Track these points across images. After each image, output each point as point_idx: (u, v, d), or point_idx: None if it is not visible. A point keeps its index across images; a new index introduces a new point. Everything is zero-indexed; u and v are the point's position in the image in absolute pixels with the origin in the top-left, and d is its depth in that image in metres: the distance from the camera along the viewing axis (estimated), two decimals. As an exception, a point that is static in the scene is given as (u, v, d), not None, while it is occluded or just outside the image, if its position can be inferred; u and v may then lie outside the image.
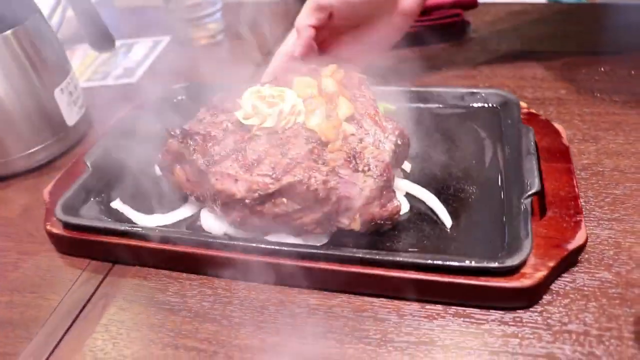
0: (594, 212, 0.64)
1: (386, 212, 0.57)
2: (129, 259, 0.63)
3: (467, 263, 0.52)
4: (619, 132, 0.77)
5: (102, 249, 0.64)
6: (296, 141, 0.58)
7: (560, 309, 0.53)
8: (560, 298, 0.54)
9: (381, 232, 0.60)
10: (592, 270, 0.56)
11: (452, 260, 0.52)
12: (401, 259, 0.53)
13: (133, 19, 1.36)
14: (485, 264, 0.51)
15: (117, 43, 1.20)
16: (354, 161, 0.57)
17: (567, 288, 0.55)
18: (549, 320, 0.52)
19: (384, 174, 0.56)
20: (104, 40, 0.98)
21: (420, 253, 0.56)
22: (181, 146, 0.61)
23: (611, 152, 0.73)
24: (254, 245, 0.57)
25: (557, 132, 0.71)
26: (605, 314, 0.52)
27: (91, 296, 0.61)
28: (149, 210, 0.67)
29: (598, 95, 0.86)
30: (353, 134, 0.60)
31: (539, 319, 0.52)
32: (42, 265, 0.67)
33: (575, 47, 1.02)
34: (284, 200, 0.55)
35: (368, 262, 0.54)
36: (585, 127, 0.79)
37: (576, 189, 0.61)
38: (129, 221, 0.66)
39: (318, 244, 0.58)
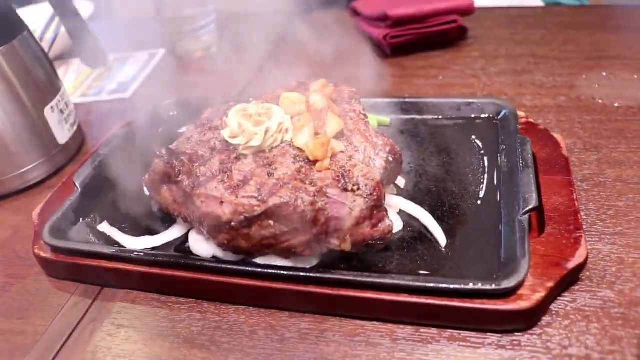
0: (595, 226, 0.61)
1: (377, 233, 0.55)
2: (117, 283, 0.62)
3: (461, 286, 0.50)
4: (621, 140, 0.75)
5: (90, 273, 0.62)
6: (283, 160, 0.57)
7: (560, 331, 0.51)
8: (560, 319, 0.52)
9: (373, 252, 0.58)
10: (593, 289, 0.54)
11: (446, 283, 0.50)
12: (393, 281, 0.51)
13: (128, 32, 1.36)
14: (480, 286, 0.49)
15: (112, 57, 1.20)
16: (342, 180, 0.55)
17: (568, 308, 0.53)
18: (548, 344, 0.50)
19: (374, 193, 0.54)
20: (96, 55, 0.97)
21: (414, 275, 0.54)
22: (167, 167, 0.60)
23: (613, 162, 0.71)
24: (242, 268, 0.55)
25: (556, 143, 0.69)
26: (608, 336, 0.50)
27: (79, 321, 0.60)
28: (139, 232, 0.65)
29: (600, 101, 0.84)
30: (342, 152, 0.58)
31: (537, 342, 0.50)
32: (30, 289, 0.65)
33: (575, 51, 1.00)
34: (271, 222, 0.53)
35: (359, 285, 0.52)
36: (586, 135, 0.77)
37: (576, 203, 0.59)
38: (117, 244, 0.64)
39: (308, 266, 0.57)
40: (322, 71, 0.77)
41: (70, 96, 0.92)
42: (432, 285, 0.50)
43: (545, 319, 0.52)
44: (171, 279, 0.58)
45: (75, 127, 0.89)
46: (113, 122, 0.90)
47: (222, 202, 0.54)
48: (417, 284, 0.51)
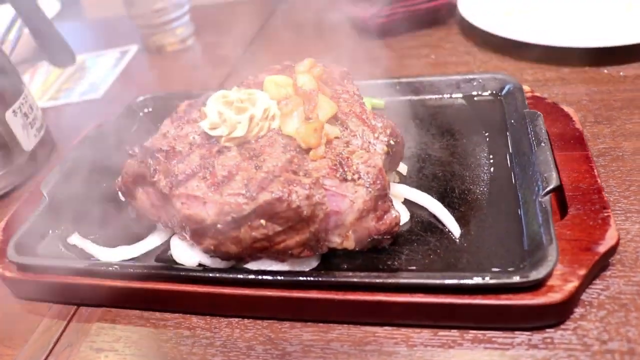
0: (619, 204, 0.56)
1: (384, 226, 0.49)
2: (94, 300, 0.55)
3: (484, 280, 0.43)
4: (633, 111, 0.69)
5: (63, 291, 0.56)
6: (272, 151, 0.50)
7: (597, 323, 0.45)
8: (594, 310, 0.46)
9: (379, 249, 0.51)
10: (627, 274, 0.48)
11: (466, 278, 0.44)
12: (406, 280, 0.45)
13: (97, 31, 1.28)
14: (506, 280, 0.43)
15: (82, 57, 1.12)
16: (340, 169, 0.48)
17: (602, 297, 0.47)
18: (585, 339, 0.44)
19: (377, 182, 0.48)
20: (62, 54, 0.90)
21: (428, 271, 0.47)
22: (141, 166, 0.53)
23: (629, 134, 0.65)
24: (233, 276, 0.49)
25: (567, 116, 0.63)
26: (651, 326, 0.44)
27: (53, 347, 0.53)
28: (114, 242, 0.58)
29: (605, 71, 0.78)
30: (338, 137, 0.52)
31: (573, 338, 0.44)
32: (-2, 314, 0.58)
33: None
34: (262, 222, 0.47)
35: (367, 287, 0.46)
36: (595, 107, 0.71)
37: (598, 180, 0.53)
38: (92, 257, 0.57)
39: (307, 269, 0.50)
40: (306, 57, 0.71)
41: (37, 100, 0.85)
42: (451, 282, 0.44)
43: (578, 311, 0.46)
44: (154, 292, 0.51)
45: (42, 132, 0.81)
46: (85, 125, 0.83)
47: (205, 203, 0.47)
48: (434, 281, 0.44)
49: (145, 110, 0.81)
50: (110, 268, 0.53)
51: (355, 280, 0.46)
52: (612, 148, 0.63)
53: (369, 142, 0.52)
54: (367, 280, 0.46)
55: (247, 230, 0.47)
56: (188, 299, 0.51)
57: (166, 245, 0.57)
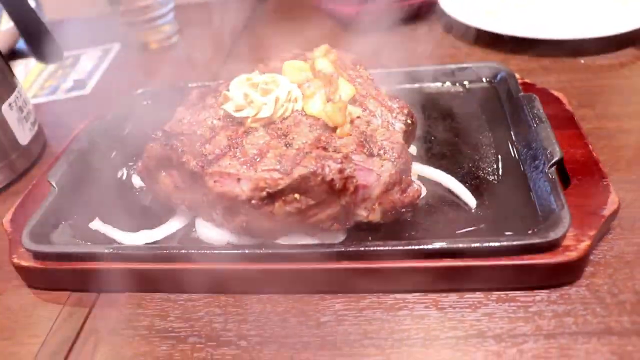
0: (612, 177, 0.60)
1: (407, 198, 0.51)
2: (117, 286, 0.55)
3: (509, 242, 0.47)
4: (612, 96, 0.75)
5: (83, 278, 0.55)
6: (299, 130, 0.52)
7: (606, 279, 0.49)
8: (602, 268, 0.50)
9: (400, 222, 0.54)
10: (627, 236, 0.53)
11: (494, 241, 0.47)
12: (435, 246, 0.48)
13: (76, 30, 1.25)
14: (528, 241, 0.47)
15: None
16: (367, 145, 0.51)
17: (607, 257, 0.51)
18: (598, 293, 0.48)
19: (402, 156, 0.51)
20: (50, 50, 0.88)
21: (452, 238, 0.50)
22: (166, 149, 0.53)
23: (611, 115, 0.71)
24: (271, 251, 0.50)
25: (558, 99, 0.68)
26: (654, 278, 0.49)
27: (78, 333, 0.53)
28: (132, 228, 0.58)
29: (582, 61, 0.84)
30: (359, 117, 0.54)
31: (587, 293, 0.48)
32: (11, 305, 0.57)
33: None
34: (297, 196, 0.48)
35: (398, 255, 0.48)
36: (577, 93, 0.76)
37: (594, 154, 0.58)
38: (111, 242, 0.57)
39: (336, 242, 0.52)
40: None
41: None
42: (478, 245, 0.47)
43: (589, 269, 0.50)
44: (184, 273, 0.52)
45: (36, 127, 0.80)
46: (76, 121, 0.82)
47: (239, 179, 0.49)
48: (462, 245, 0.47)
49: (144, 102, 0.81)
50: (140, 251, 0.53)
51: (386, 248, 0.48)
52: (598, 128, 0.69)
53: (388, 122, 0.55)
54: (398, 247, 0.48)
55: (281, 205, 0.49)
56: (219, 278, 0.52)
57: (189, 228, 0.58)
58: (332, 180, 0.48)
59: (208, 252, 0.51)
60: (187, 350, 0.49)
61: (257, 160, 0.49)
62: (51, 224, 0.60)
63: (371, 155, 0.50)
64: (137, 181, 0.64)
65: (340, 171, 0.48)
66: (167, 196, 0.56)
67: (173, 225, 0.57)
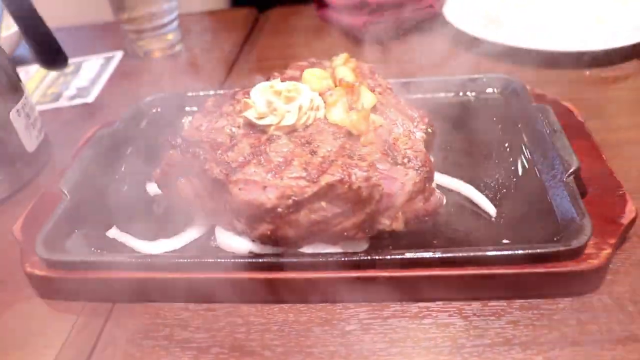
0: (624, 186, 0.61)
1: (430, 207, 0.52)
2: (135, 296, 0.54)
3: (534, 250, 0.47)
4: (619, 107, 0.77)
5: (100, 288, 0.54)
6: (322, 138, 0.52)
7: (627, 287, 0.50)
8: (622, 277, 0.51)
9: (422, 231, 0.54)
10: (645, 244, 0.54)
11: (515, 249, 0.47)
12: (462, 254, 0.48)
13: (77, 38, 1.24)
14: (552, 249, 0.47)
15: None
16: (391, 153, 0.51)
17: (627, 265, 0.52)
18: (619, 301, 0.49)
19: (426, 165, 0.51)
20: (55, 56, 0.87)
21: (475, 246, 0.51)
22: (187, 156, 0.53)
23: (618, 128, 0.72)
24: (294, 260, 0.50)
25: (569, 110, 0.69)
26: (673, 286, 0.49)
27: (95, 344, 0.51)
28: (149, 237, 0.58)
29: (587, 73, 0.86)
30: (381, 126, 0.54)
31: (609, 301, 0.49)
32: (24, 315, 0.56)
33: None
34: (323, 204, 0.48)
35: (423, 263, 0.48)
36: (584, 105, 0.77)
37: (608, 164, 0.59)
38: (128, 251, 0.56)
39: (359, 251, 0.52)
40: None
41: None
42: (503, 253, 0.47)
43: (609, 278, 0.51)
44: (204, 282, 0.51)
45: (42, 134, 0.79)
46: (81, 129, 0.81)
47: (264, 187, 0.48)
48: (487, 253, 0.48)
49: (154, 110, 0.80)
50: (161, 260, 0.52)
51: (412, 256, 0.48)
52: (606, 139, 0.69)
53: (409, 130, 0.55)
54: (423, 255, 0.48)
55: (307, 213, 0.49)
56: (242, 287, 0.51)
57: (206, 238, 0.57)
58: (359, 188, 0.48)
59: (231, 260, 0.51)
60: (210, 360, 0.48)
61: (283, 168, 0.49)
62: (65, 232, 0.59)
63: (395, 163, 0.51)
64: (152, 189, 0.64)
65: (367, 179, 0.48)
66: (186, 204, 0.56)
67: (191, 234, 0.57)
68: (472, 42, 0.95)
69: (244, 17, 1.24)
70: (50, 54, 0.86)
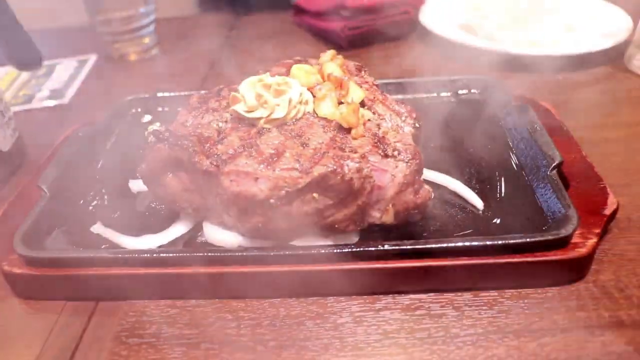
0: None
1: (420, 199, 0.52)
2: (120, 293, 0.52)
3: (524, 239, 0.48)
4: (593, 108, 0.79)
5: (82, 286, 0.52)
6: (312, 131, 0.52)
7: (611, 275, 0.51)
8: (606, 265, 0.52)
9: (411, 224, 0.55)
10: (626, 235, 0.56)
11: (506, 239, 0.48)
12: (453, 244, 0.48)
13: (49, 40, 1.21)
14: (540, 238, 0.48)
15: (37, 63, 1.06)
16: (381, 146, 0.51)
17: (610, 255, 0.53)
18: (605, 289, 0.50)
19: (416, 157, 0.51)
20: (29, 55, 0.85)
21: (468, 237, 0.51)
22: (175, 149, 0.52)
23: (594, 127, 0.75)
24: (287, 253, 0.49)
25: (547, 109, 0.71)
26: (656, 273, 0.51)
27: (78, 343, 0.49)
28: (132, 233, 0.56)
29: (560, 77, 0.89)
30: (369, 120, 0.55)
31: (595, 289, 0.50)
32: (0, 316, 0.53)
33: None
34: (315, 195, 0.48)
35: (416, 254, 0.48)
36: (558, 105, 0.80)
37: (588, 159, 0.61)
38: (112, 248, 0.55)
39: (350, 244, 0.52)
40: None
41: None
42: (494, 242, 0.48)
43: (593, 267, 0.52)
44: (193, 277, 0.50)
45: (17, 134, 0.76)
46: (56, 129, 0.79)
47: (256, 179, 0.48)
48: (479, 243, 0.48)
49: (133, 110, 0.79)
50: (146, 255, 0.50)
51: (403, 247, 0.49)
52: (582, 137, 0.71)
53: (398, 125, 0.55)
54: (415, 247, 0.48)
55: (299, 204, 0.48)
56: (231, 282, 0.50)
57: (192, 233, 0.56)
58: (351, 179, 0.48)
59: (221, 254, 0.50)
60: (201, 357, 0.47)
61: (275, 159, 0.49)
62: (44, 230, 0.57)
63: (386, 156, 0.51)
64: (134, 186, 0.62)
65: (359, 170, 0.48)
66: (172, 199, 0.55)
67: (178, 230, 0.55)
68: (446, 46, 0.97)
69: (221, 22, 1.24)
70: (25, 54, 0.84)
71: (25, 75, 1.05)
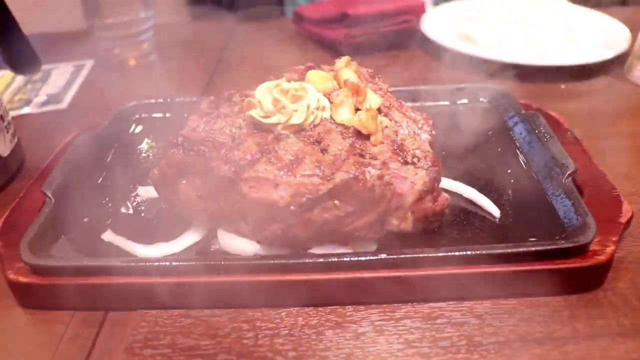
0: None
1: (439, 207, 0.52)
2: (131, 302, 0.51)
3: (544, 247, 0.48)
4: (596, 118, 0.80)
5: (92, 295, 0.51)
6: (331, 137, 0.51)
7: (628, 283, 0.51)
8: (623, 273, 0.52)
9: (428, 232, 0.54)
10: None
11: (527, 247, 0.48)
12: (474, 252, 0.48)
13: (45, 45, 1.19)
14: (563, 245, 0.48)
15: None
16: (401, 153, 0.51)
17: (626, 263, 0.53)
18: (624, 297, 0.50)
19: (436, 164, 0.51)
20: (28, 60, 0.83)
21: (487, 245, 0.51)
22: (190, 155, 0.51)
23: (599, 136, 0.75)
24: (308, 261, 0.48)
25: (555, 119, 0.72)
26: (673, 281, 0.51)
27: (89, 355, 0.48)
28: (143, 241, 0.55)
29: (563, 86, 0.90)
30: (387, 127, 0.54)
31: (613, 297, 0.50)
32: (5, 327, 0.51)
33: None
34: (336, 202, 0.47)
35: (438, 261, 0.48)
36: (564, 115, 0.81)
37: (599, 167, 0.61)
38: (123, 256, 0.53)
39: (369, 251, 0.51)
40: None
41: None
42: (516, 249, 0.48)
43: (611, 275, 0.52)
44: (208, 286, 0.49)
45: (15, 139, 0.74)
46: (55, 134, 0.77)
47: (277, 185, 0.47)
48: (500, 250, 0.48)
49: (137, 115, 0.77)
50: (161, 264, 0.49)
51: (425, 255, 0.48)
52: (591, 146, 0.72)
53: (414, 132, 0.55)
54: (436, 254, 0.48)
55: (320, 211, 0.47)
56: (249, 290, 0.49)
57: (206, 241, 0.55)
58: (373, 186, 0.47)
59: (239, 263, 0.49)
60: (218, 368, 0.46)
61: (295, 166, 0.48)
62: (50, 237, 0.55)
63: (405, 163, 0.50)
64: (143, 192, 0.61)
65: (380, 177, 0.48)
66: (186, 206, 0.53)
67: (191, 237, 0.54)
68: (448, 55, 0.98)
69: (220, 29, 1.23)
70: (23, 57, 0.82)
71: (20, 79, 1.02)
